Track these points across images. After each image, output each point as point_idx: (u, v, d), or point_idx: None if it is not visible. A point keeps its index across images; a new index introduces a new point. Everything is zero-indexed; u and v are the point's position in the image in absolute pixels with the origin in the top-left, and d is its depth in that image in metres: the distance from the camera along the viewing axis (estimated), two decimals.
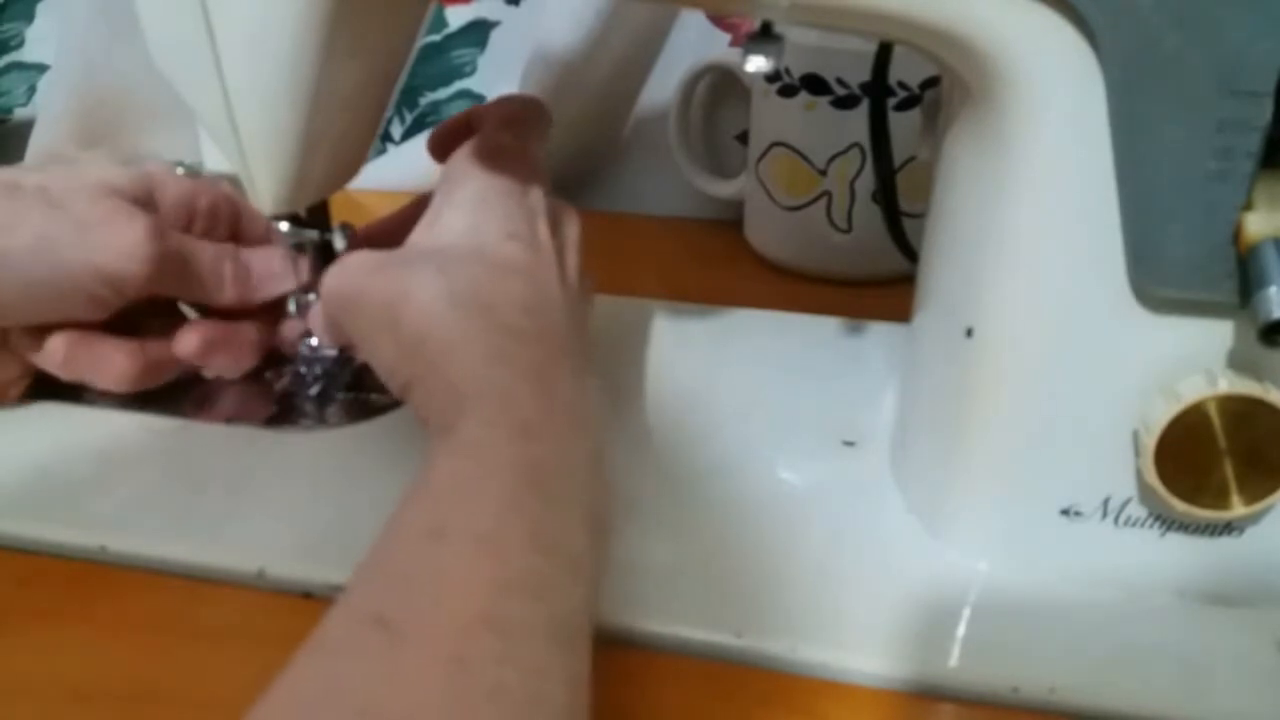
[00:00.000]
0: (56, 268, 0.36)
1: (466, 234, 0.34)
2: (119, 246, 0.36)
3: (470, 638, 0.23)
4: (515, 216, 0.34)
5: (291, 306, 0.43)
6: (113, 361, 0.40)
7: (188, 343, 0.40)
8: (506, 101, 0.39)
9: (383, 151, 0.69)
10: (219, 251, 0.40)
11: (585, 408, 0.31)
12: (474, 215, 0.34)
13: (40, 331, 0.39)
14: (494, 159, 0.36)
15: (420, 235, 0.35)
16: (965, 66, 0.30)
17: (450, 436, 0.28)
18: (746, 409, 0.42)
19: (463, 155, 0.36)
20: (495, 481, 0.27)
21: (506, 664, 0.23)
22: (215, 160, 0.37)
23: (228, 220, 0.42)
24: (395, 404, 0.42)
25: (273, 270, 0.41)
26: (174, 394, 0.43)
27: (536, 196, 0.36)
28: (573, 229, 0.37)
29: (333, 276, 0.33)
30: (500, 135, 0.37)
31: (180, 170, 0.39)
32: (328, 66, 0.33)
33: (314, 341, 0.44)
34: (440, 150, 0.38)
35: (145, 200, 0.39)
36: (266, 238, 0.42)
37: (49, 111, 0.70)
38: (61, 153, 0.68)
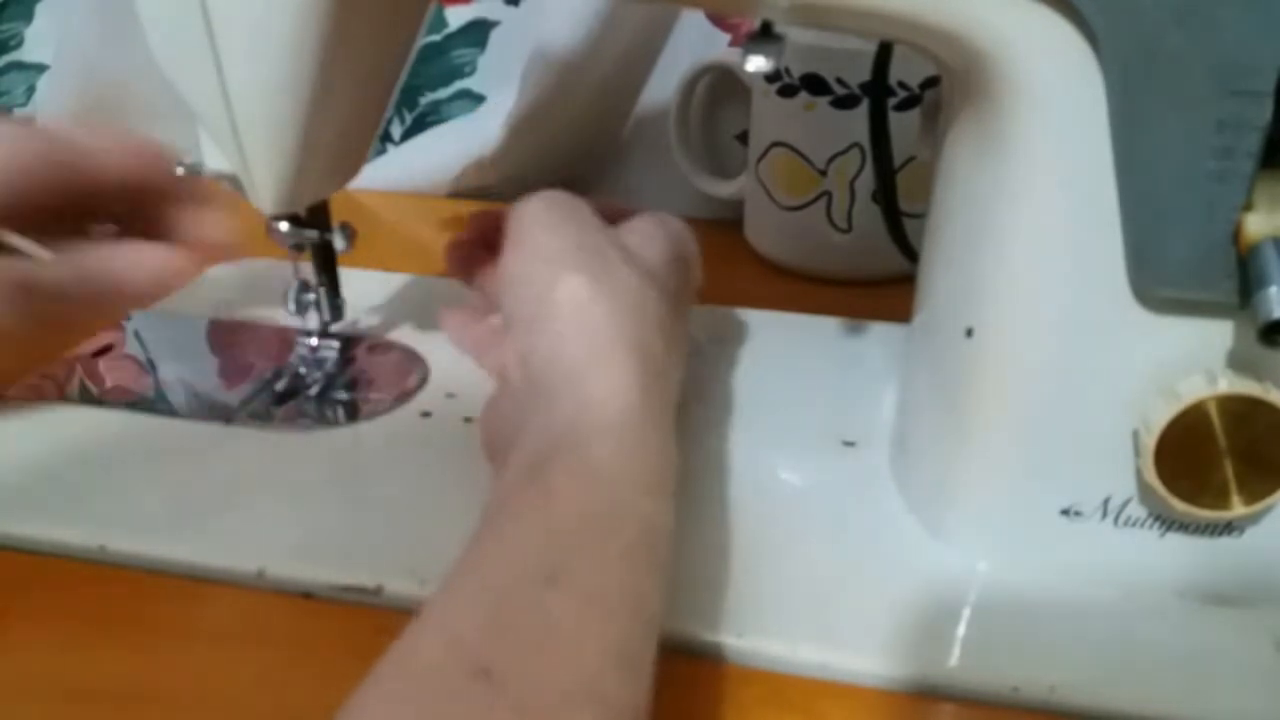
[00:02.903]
0: None
1: (638, 248, 0.36)
2: None
3: (572, 713, 0.23)
4: (674, 260, 0.37)
5: (291, 306, 0.43)
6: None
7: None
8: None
9: (383, 151, 0.69)
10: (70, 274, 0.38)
11: (675, 467, 0.32)
12: (644, 240, 0.37)
13: None
14: (660, 223, 0.38)
15: None
16: (965, 67, 0.30)
17: (577, 450, 0.28)
18: (746, 409, 0.42)
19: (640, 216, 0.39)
20: (619, 535, 0.27)
21: None
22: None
23: (63, 169, 0.37)
24: (394, 404, 0.42)
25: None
26: (174, 394, 0.43)
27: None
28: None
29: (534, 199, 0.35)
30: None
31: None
32: (328, 67, 0.33)
33: (314, 342, 0.44)
34: None
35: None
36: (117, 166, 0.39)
37: (49, 111, 0.70)
38: None
